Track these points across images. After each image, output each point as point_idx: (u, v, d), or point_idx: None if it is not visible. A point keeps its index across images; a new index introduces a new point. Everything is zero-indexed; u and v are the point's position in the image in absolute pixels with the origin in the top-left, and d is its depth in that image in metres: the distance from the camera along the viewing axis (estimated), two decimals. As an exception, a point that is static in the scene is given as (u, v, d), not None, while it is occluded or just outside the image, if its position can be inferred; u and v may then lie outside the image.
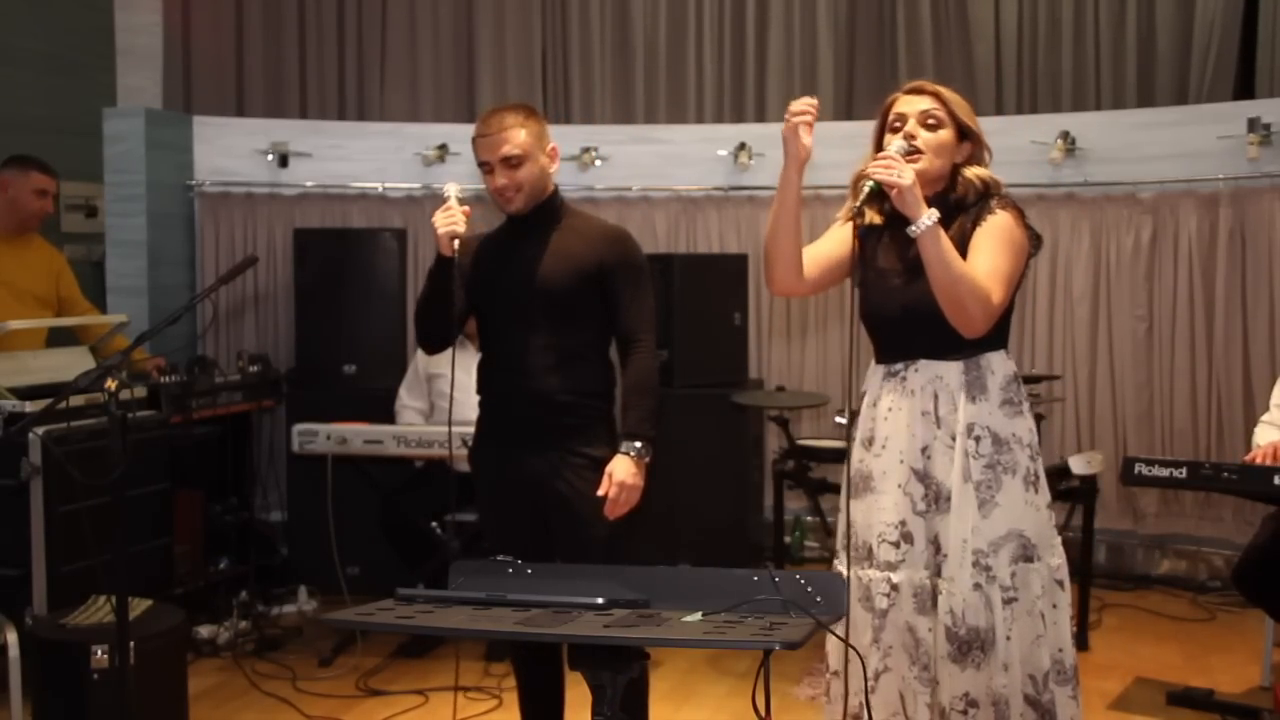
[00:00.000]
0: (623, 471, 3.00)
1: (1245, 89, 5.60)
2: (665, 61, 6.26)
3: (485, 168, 3.09)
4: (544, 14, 6.33)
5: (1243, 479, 3.49)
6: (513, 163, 3.05)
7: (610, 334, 3.17)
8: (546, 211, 3.15)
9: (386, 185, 5.86)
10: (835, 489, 5.03)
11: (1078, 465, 4.61)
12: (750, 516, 5.45)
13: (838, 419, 4.90)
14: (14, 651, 3.54)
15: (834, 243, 2.82)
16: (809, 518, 5.71)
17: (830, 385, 5.71)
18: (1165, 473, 3.67)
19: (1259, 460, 3.51)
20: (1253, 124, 5.14)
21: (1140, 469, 3.68)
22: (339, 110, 6.39)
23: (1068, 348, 5.58)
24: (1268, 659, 4.21)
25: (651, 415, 3.07)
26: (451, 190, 3.10)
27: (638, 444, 3.03)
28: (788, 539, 5.37)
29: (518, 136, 3.05)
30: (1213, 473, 3.57)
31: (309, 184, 5.83)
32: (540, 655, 3.19)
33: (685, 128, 6.06)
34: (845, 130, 5.85)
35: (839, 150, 5.62)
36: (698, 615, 2.00)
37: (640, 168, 5.82)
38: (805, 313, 5.85)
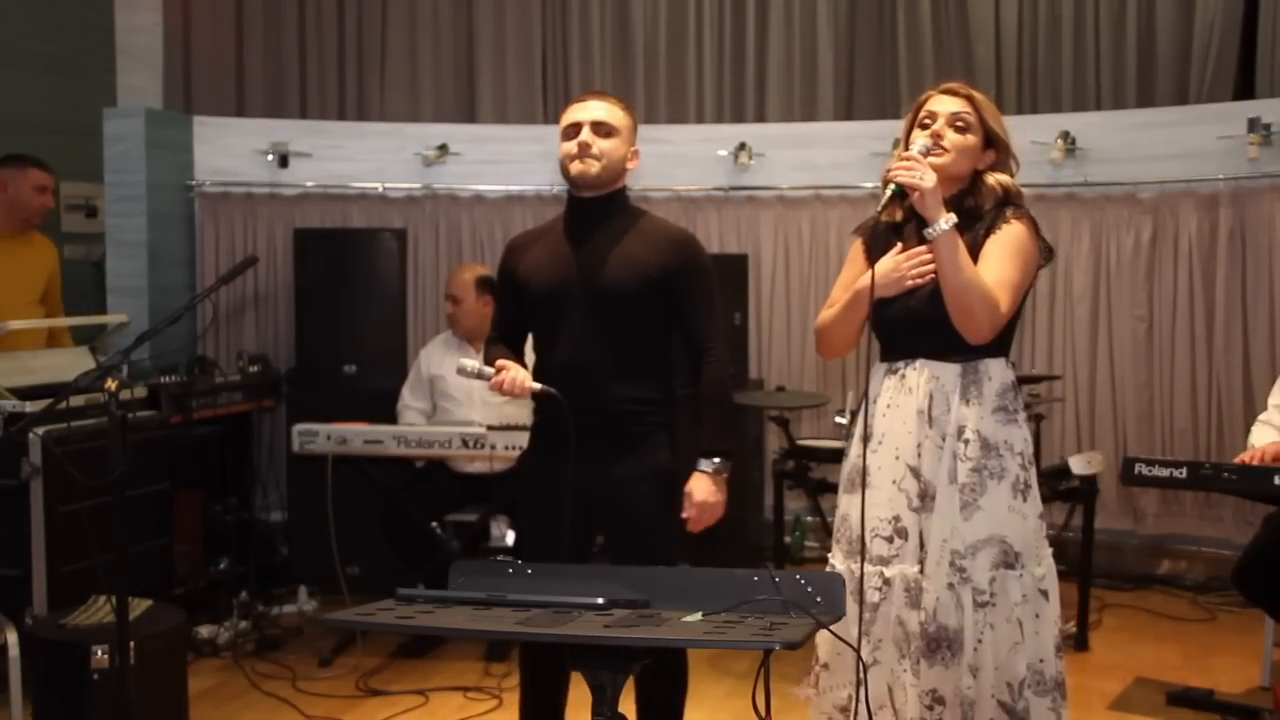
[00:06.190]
0: (703, 491, 2.99)
1: (1245, 89, 5.60)
2: (665, 61, 6.26)
3: (571, 130, 3.03)
4: (544, 14, 6.33)
5: (1243, 479, 3.48)
6: (603, 130, 3.02)
7: (670, 341, 3.08)
8: (612, 203, 3.09)
9: (386, 185, 5.86)
10: (835, 489, 5.03)
11: (1078, 465, 4.60)
12: (750, 516, 5.45)
13: (838, 419, 4.90)
14: (14, 651, 3.54)
15: (859, 269, 2.80)
16: (809, 518, 5.70)
17: (830, 385, 5.71)
18: (1165, 473, 3.65)
19: (1251, 462, 3.50)
20: (1253, 124, 5.14)
21: (1140, 469, 3.67)
22: (339, 110, 6.39)
23: (1068, 348, 5.58)
24: (1268, 659, 4.21)
25: (726, 429, 3.03)
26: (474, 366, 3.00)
27: (715, 460, 3.00)
28: (788, 539, 5.37)
29: (616, 112, 3.06)
30: (1213, 473, 3.56)
31: (309, 184, 5.83)
32: (549, 656, 3.11)
33: (685, 128, 6.06)
34: (845, 130, 5.87)
35: (839, 150, 5.70)
36: (698, 615, 2.00)
37: (640, 168, 5.78)
38: (805, 313, 5.84)
